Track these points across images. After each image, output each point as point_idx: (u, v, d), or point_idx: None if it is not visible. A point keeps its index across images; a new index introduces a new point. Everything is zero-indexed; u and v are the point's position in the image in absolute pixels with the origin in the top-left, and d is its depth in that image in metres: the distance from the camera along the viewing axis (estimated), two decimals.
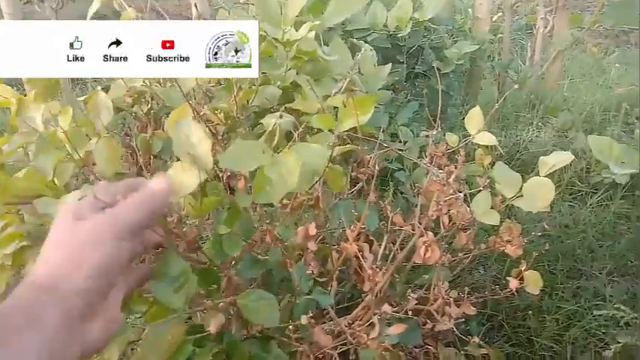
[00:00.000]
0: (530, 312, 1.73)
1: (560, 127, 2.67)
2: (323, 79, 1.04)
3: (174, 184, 0.62)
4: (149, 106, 1.00)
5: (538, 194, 0.94)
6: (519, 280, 1.01)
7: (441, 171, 1.08)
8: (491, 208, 1.00)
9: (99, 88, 0.93)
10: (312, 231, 0.92)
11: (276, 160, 0.73)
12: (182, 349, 0.70)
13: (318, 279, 1.02)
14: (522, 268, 0.99)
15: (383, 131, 1.86)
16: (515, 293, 1.77)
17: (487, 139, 1.05)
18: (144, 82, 0.99)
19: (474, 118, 1.09)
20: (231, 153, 0.75)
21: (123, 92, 0.96)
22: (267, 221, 0.92)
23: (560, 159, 0.98)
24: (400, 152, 1.16)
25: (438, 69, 2.32)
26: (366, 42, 2.12)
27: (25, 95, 0.89)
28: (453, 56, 2.32)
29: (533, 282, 1.00)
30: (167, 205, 0.62)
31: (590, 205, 2.26)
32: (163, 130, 0.97)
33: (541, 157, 0.99)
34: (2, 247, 0.70)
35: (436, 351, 1.57)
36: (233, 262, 0.94)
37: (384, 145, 1.14)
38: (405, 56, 2.33)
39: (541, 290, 1.81)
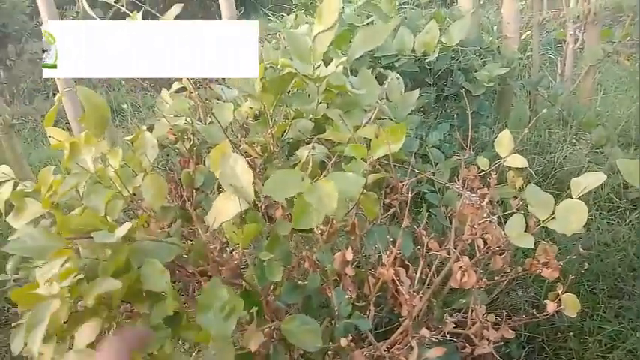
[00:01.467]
0: (571, 333, 1.70)
1: (594, 143, 2.62)
2: (353, 111, 1.08)
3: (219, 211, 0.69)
4: (191, 142, 1.06)
5: (571, 216, 0.94)
6: (557, 302, 1.01)
7: (474, 195, 1.10)
8: (526, 230, 1.01)
9: (144, 127, 0.99)
10: (349, 256, 0.95)
11: (314, 187, 0.78)
12: None
13: (356, 303, 1.05)
14: (559, 291, 0.99)
15: (414, 154, 1.88)
16: (555, 315, 1.76)
17: (518, 161, 1.07)
18: (186, 120, 1.05)
19: (504, 141, 1.11)
20: (272, 181, 0.80)
21: (166, 130, 1.02)
22: (306, 247, 0.96)
23: (592, 180, 0.99)
24: (432, 177, 1.17)
25: (468, 91, 2.33)
26: (394, 67, 2.15)
27: (72, 134, 0.96)
28: (484, 78, 2.33)
29: (571, 305, 1.00)
30: None
31: (629, 221, 2.22)
32: (204, 164, 1.02)
33: (573, 179, 1.00)
34: (61, 280, 0.75)
35: None
36: (273, 288, 0.97)
37: (416, 170, 1.17)
38: (434, 79, 2.35)
39: (582, 311, 1.79)
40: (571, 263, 1.93)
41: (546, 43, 4.24)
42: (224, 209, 0.82)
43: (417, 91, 1.36)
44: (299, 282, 0.98)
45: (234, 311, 0.69)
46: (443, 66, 2.32)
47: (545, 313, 1.03)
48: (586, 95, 3.11)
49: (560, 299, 1.02)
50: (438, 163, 2.03)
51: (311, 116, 1.05)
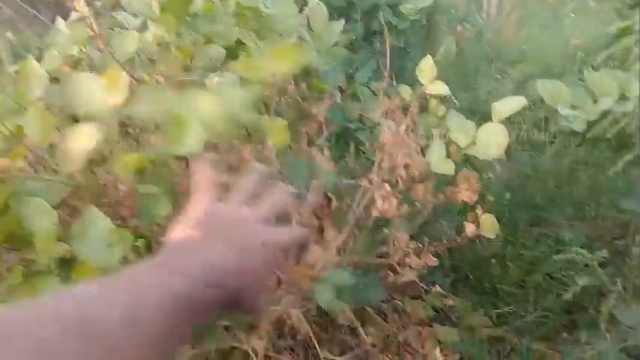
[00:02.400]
0: (493, 261, 1.76)
1: (518, 79, 2.68)
2: (268, 37, 1.00)
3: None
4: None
5: (491, 141, 0.93)
6: (476, 225, 1.01)
7: (393, 123, 1.07)
8: (448, 157, 0.99)
9: (30, 56, 0.87)
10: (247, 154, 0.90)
11: (186, 99, 0.70)
12: None
13: None
14: (478, 212, 0.99)
15: (343, 92, 1.84)
16: (478, 244, 1.81)
17: (439, 88, 1.04)
18: (80, 49, 0.94)
19: (426, 68, 1.07)
20: (140, 101, 0.71)
21: (58, 62, 0.91)
22: None
23: (513, 104, 0.98)
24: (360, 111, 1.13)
25: (395, 25, 2.28)
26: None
27: None
28: (409, 12, 2.28)
29: (489, 226, 1.00)
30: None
31: (550, 154, 2.30)
32: None
33: (494, 103, 0.98)
34: None
35: (403, 304, 1.59)
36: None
37: (337, 102, 1.12)
38: (361, 14, 2.28)
39: (504, 239, 1.85)
40: (494, 195, 2.00)
41: None
42: (76, 144, 0.73)
43: (342, 21, 1.29)
44: None
45: (120, 241, 0.62)
46: (370, 1, 2.26)
47: (464, 235, 1.03)
48: (511, 33, 3.15)
49: (478, 221, 1.02)
50: (366, 101, 2.00)
51: (222, 42, 0.97)
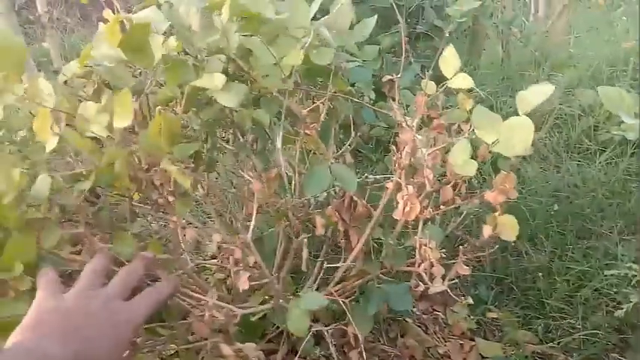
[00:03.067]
0: (539, 274, 1.67)
1: (566, 84, 2.56)
2: (278, 39, 0.88)
3: None
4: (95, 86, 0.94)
5: (515, 136, 0.80)
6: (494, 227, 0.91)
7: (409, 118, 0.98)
8: (474, 158, 0.89)
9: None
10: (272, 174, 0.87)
11: None
12: None
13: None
14: (496, 214, 0.89)
15: (384, 96, 1.78)
16: (524, 255, 1.72)
17: (463, 81, 0.94)
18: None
19: (450, 60, 0.97)
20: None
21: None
22: None
23: (539, 93, 0.81)
24: (378, 110, 1.08)
25: (440, 28, 2.22)
26: (363, 1, 2.03)
27: None
28: (455, 14, 2.21)
29: (509, 227, 0.88)
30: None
31: (599, 163, 2.18)
32: None
33: (519, 92, 0.82)
34: None
35: (445, 317, 1.53)
36: None
37: (359, 102, 1.07)
38: (406, 16, 2.24)
39: (551, 251, 1.76)
40: (542, 205, 1.90)
41: None
42: None
43: (373, 19, 1.23)
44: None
45: None
46: (415, 2, 2.21)
47: (482, 239, 0.92)
48: (559, 36, 3.03)
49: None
50: (409, 105, 1.95)
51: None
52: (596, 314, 1.53)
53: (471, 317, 1.52)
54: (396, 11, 2.19)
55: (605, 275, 1.59)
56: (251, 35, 0.84)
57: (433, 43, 2.39)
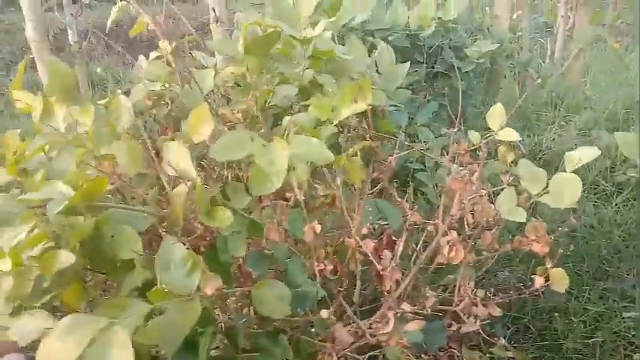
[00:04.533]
0: (556, 314, 1.69)
1: (582, 126, 2.61)
2: (340, 79, 1.03)
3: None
4: (169, 108, 1.00)
5: (565, 191, 0.91)
6: (545, 278, 0.98)
7: (462, 168, 1.06)
8: (517, 205, 0.98)
9: (119, 91, 0.93)
10: (317, 229, 0.90)
11: (265, 148, 0.74)
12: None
13: (330, 277, 1.01)
14: (548, 266, 0.96)
15: (403, 132, 1.84)
16: (541, 295, 1.75)
17: (510, 135, 1.03)
18: (163, 85, 0.99)
19: (496, 115, 1.07)
20: (220, 144, 0.76)
21: (142, 95, 0.96)
22: (269, 219, 0.91)
23: (586, 154, 0.97)
24: (422, 152, 1.14)
25: (459, 68, 2.28)
26: (386, 41, 2.11)
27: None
28: (474, 55, 2.29)
29: (559, 279, 0.97)
30: None
31: (616, 204, 2.21)
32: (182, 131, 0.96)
33: (567, 153, 0.97)
34: (28, 248, 0.70)
35: (460, 354, 1.54)
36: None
37: (407, 144, 1.13)
38: (425, 56, 2.30)
39: (567, 292, 1.77)
40: (557, 245, 1.93)
41: (536, 26, 4.21)
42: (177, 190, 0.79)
43: (408, 63, 1.31)
44: (266, 252, 0.93)
45: (195, 268, 0.64)
46: (434, 42, 2.28)
47: (533, 289, 1.00)
48: (575, 78, 3.09)
49: (548, 275, 0.99)
50: (427, 142, 2.00)
51: (296, 83, 1.00)
52: (614, 357, 1.54)
53: (486, 355, 1.54)
54: (416, 51, 2.28)
55: (623, 317, 1.61)
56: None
57: (451, 81, 2.46)
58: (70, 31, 3.08)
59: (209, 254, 0.79)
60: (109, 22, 1.10)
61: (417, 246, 1.09)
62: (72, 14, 3.12)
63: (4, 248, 0.69)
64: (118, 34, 5.03)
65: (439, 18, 2.09)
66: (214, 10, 2.62)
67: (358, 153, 0.94)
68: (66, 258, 0.66)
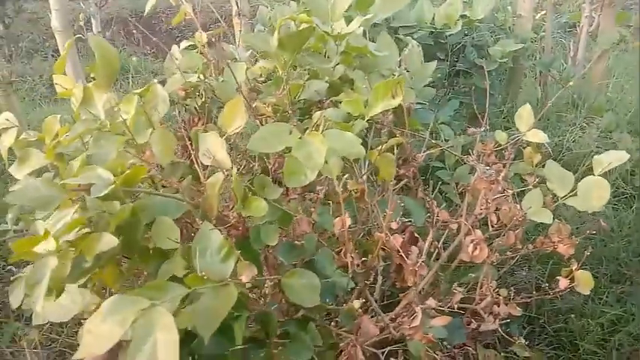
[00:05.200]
0: (572, 315, 1.69)
1: (604, 128, 2.59)
2: (371, 74, 1.04)
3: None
4: (202, 99, 1.02)
5: (593, 194, 0.92)
6: (569, 279, 0.99)
7: (488, 168, 1.07)
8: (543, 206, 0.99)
9: (155, 80, 0.95)
10: (348, 222, 0.92)
11: (302, 141, 0.75)
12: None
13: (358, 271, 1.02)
14: (573, 268, 0.97)
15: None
16: (558, 296, 1.75)
17: (538, 136, 1.04)
18: (199, 76, 1.01)
19: (524, 115, 1.07)
20: (258, 136, 0.78)
21: (178, 86, 0.98)
22: (301, 209, 0.93)
23: (614, 158, 0.97)
24: (448, 150, 1.14)
25: (482, 66, 2.28)
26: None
27: None
28: (497, 54, 2.28)
29: (585, 282, 0.98)
30: None
31: (636, 208, 2.20)
32: (215, 123, 0.98)
33: (595, 157, 0.98)
34: (66, 233, 0.72)
35: (475, 352, 1.55)
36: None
37: (432, 141, 1.14)
38: (448, 54, 2.30)
39: (584, 294, 1.78)
40: (577, 247, 1.92)
41: (559, 27, 4.17)
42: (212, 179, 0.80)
43: (434, 63, 1.32)
44: (296, 242, 0.95)
45: (230, 255, 0.66)
46: (457, 41, 2.27)
47: (556, 290, 1.01)
48: (597, 79, 3.06)
49: (572, 277, 1.00)
50: (448, 140, 2.00)
51: (327, 78, 1.02)
52: None
53: (501, 354, 1.54)
54: (438, 48, 2.27)
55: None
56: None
57: (472, 80, 2.46)
58: (93, 21, 3.12)
59: (241, 243, 0.81)
60: (147, 9, 1.12)
61: (438, 243, 1.11)
62: (96, 4, 3.16)
63: (49, 230, 0.72)
64: (137, 24, 5.08)
65: (464, 16, 2.09)
66: (237, 4, 2.64)
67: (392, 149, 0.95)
68: (108, 241, 0.68)
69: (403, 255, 0.93)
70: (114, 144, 0.78)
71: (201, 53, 1.15)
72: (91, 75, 0.89)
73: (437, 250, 1.10)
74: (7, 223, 1.02)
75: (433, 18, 2.08)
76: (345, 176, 0.92)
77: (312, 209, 0.91)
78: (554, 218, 1.08)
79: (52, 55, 4.68)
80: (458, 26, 2.06)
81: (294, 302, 0.83)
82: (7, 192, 0.82)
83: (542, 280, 1.78)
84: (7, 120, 0.95)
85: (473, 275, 1.12)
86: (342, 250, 0.93)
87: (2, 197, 0.86)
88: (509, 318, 1.11)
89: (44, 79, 4.29)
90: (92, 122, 0.80)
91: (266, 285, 0.86)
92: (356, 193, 0.97)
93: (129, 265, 0.83)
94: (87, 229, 0.73)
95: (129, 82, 3.96)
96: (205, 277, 0.66)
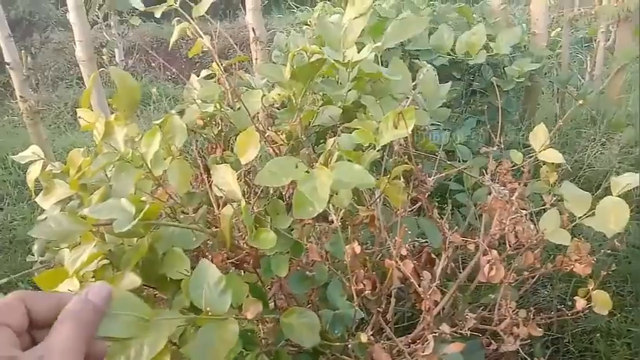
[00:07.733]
0: (597, 335, 1.66)
1: (625, 143, 2.56)
2: (384, 99, 1.06)
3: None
4: (219, 128, 1.05)
5: (611, 215, 0.91)
6: (587, 300, 0.98)
7: (503, 188, 1.07)
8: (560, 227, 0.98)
9: (173, 111, 0.98)
10: (358, 249, 0.92)
11: (309, 175, 0.76)
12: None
13: (370, 297, 1.02)
14: (590, 288, 0.96)
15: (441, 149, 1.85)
16: (582, 315, 1.72)
17: (553, 156, 1.04)
18: (215, 106, 1.04)
19: (539, 135, 1.07)
20: (266, 170, 0.79)
21: (196, 116, 1.01)
22: (311, 239, 0.94)
23: (633, 180, 0.96)
24: (463, 171, 1.15)
25: (498, 86, 2.28)
26: (427, 61, 2.13)
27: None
28: (514, 74, 2.28)
29: (602, 302, 0.96)
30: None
31: None
32: (232, 150, 1.01)
33: (613, 178, 0.97)
34: (86, 265, 0.75)
35: None
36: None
37: (448, 163, 1.15)
38: (464, 74, 2.31)
39: (609, 313, 1.75)
40: (599, 265, 1.89)
41: (575, 42, 4.16)
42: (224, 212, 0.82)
43: (449, 84, 1.33)
44: (307, 273, 0.96)
45: (230, 287, 0.66)
46: (473, 61, 2.28)
47: (574, 311, 1.00)
48: (616, 95, 3.04)
49: (590, 297, 0.98)
50: (465, 160, 1.99)
51: (340, 103, 1.04)
52: None
53: None
54: (454, 68, 2.28)
55: None
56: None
57: (488, 98, 2.46)
58: (116, 50, 3.22)
59: (251, 274, 0.82)
60: (172, 41, 1.16)
61: (455, 264, 1.11)
62: (119, 34, 3.25)
63: (69, 268, 0.74)
64: (157, 51, 5.22)
65: (486, 47, 2.09)
66: (254, 30, 2.69)
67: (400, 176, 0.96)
68: (133, 280, 0.70)
69: (413, 281, 0.93)
70: (132, 177, 0.81)
71: (218, 81, 1.18)
72: (113, 106, 0.92)
73: (454, 272, 1.10)
74: (33, 255, 1.05)
75: (454, 44, 2.09)
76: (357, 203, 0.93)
77: (325, 239, 0.92)
78: (573, 235, 1.07)
79: (77, 83, 4.84)
80: (481, 57, 2.06)
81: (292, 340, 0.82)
82: (35, 219, 0.85)
83: (565, 299, 1.75)
84: (34, 153, 0.99)
85: (492, 296, 1.11)
86: (354, 276, 0.93)
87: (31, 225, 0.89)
88: (531, 339, 1.10)
89: (69, 107, 4.43)
90: (113, 155, 0.83)
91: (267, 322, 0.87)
92: (367, 219, 0.98)
93: (147, 293, 0.85)
94: (106, 260, 0.75)
95: (150, 108, 4.06)
96: (209, 313, 0.66)
